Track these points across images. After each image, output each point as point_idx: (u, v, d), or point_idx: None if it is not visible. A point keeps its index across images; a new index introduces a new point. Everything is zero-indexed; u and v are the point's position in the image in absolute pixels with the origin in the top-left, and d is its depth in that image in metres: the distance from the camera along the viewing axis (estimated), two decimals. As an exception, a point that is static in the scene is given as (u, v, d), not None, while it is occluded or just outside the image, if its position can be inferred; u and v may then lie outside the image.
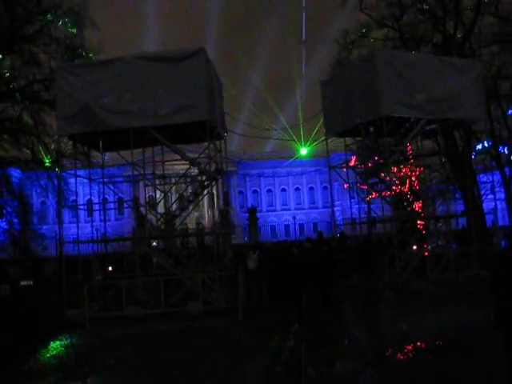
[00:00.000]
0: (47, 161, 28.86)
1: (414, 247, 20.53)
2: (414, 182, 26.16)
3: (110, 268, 23.57)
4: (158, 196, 22.99)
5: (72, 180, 20.85)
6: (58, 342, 13.33)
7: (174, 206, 21.19)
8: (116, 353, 11.68)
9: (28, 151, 28.86)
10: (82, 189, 20.82)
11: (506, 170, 27.72)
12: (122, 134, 17.09)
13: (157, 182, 21.31)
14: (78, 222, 19.73)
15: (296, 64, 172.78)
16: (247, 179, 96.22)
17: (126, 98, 16.71)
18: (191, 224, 76.28)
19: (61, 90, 17.54)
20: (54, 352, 12.39)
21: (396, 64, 18.69)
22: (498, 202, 23.28)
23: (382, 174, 20.91)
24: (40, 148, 28.62)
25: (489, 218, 27.54)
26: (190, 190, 20.74)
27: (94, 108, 16.70)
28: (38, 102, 27.44)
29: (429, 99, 18.85)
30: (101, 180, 20.45)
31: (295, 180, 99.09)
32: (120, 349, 12.07)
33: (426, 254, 19.47)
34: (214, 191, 20.50)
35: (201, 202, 79.96)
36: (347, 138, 22.81)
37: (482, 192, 27.33)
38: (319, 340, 11.91)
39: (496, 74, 26.20)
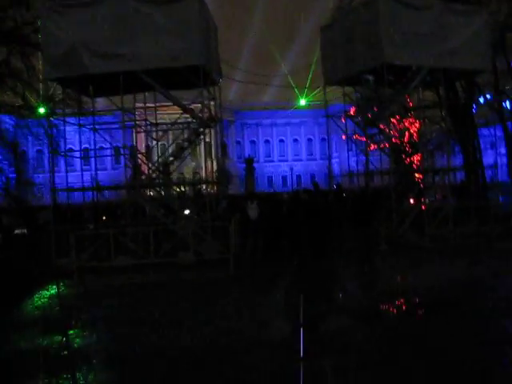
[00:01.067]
0: (39, 106, 28.08)
1: (412, 201, 20.19)
2: (414, 134, 25.61)
3: (104, 217, 23.28)
4: (153, 145, 22.47)
5: (66, 127, 20.28)
6: (43, 292, 13.06)
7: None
8: (100, 304, 11.38)
9: (17, 97, 27.99)
10: (77, 137, 20.30)
11: (509, 124, 27.08)
12: (113, 78, 16.44)
13: (150, 129, 20.81)
14: (67, 170, 19.26)
15: (296, 9, 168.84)
16: (245, 129, 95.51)
17: (116, 40, 16.01)
18: (188, 174, 75.98)
19: (47, 32, 16.78)
20: (38, 302, 12.12)
21: (400, 9, 17.79)
22: (499, 158, 22.75)
23: (382, 126, 20.34)
24: (30, 94, 27.77)
25: (488, 174, 27.10)
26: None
27: (81, 51, 16.02)
28: (27, 45, 26.47)
29: (433, 47, 18.11)
30: (91, 127, 19.88)
31: (293, 131, 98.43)
32: (104, 300, 11.77)
33: (423, 207, 19.16)
34: (211, 141, 19.97)
35: (198, 152, 79.69)
36: (347, 88, 22.16)
37: (483, 146, 26.78)
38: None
39: (503, 23, 25.24)
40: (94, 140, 19.73)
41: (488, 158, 27.79)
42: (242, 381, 6.61)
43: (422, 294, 11.13)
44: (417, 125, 26.08)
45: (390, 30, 17.56)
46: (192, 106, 18.36)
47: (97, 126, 19.96)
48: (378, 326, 8.84)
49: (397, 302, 10.76)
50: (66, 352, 8.22)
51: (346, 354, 7.27)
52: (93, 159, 22.39)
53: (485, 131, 28.11)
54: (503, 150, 26.90)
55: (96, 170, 22.58)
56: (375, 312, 9.98)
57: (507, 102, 28.53)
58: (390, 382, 6.41)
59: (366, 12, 18.47)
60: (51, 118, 20.94)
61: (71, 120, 20.63)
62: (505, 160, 27.23)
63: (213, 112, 18.17)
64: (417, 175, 23.43)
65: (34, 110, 28.30)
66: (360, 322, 9.23)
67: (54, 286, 13.79)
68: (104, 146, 26.10)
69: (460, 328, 8.39)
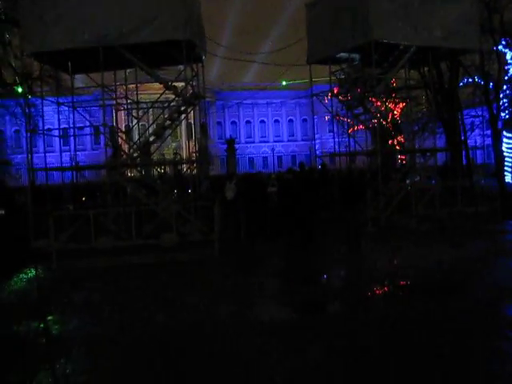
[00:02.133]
0: (16, 85, 27.26)
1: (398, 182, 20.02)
2: (397, 115, 25.37)
3: (84, 198, 22.78)
4: (134, 125, 21.95)
5: (44, 107, 19.63)
6: (20, 275, 12.60)
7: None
8: (79, 287, 10.98)
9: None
10: (55, 117, 19.73)
11: (494, 106, 26.94)
12: (92, 54, 15.86)
13: (130, 107, 20.28)
14: (45, 150, 18.68)
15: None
16: (226, 110, 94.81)
17: (95, 14, 15.37)
18: (169, 155, 75.19)
19: (24, 6, 16.11)
20: (15, 285, 11.71)
21: (388, -14, 17.40)
22: (484, 139, 22.57)
23: (369, 105, 20.04)
24: (6, 71, 26.95)
25: (474, 154, 27.09)
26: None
27: (59, 25, 15.36)
28: (2, 22, 25.58)
29: (422, 25, 17.69)
30: (70, 105, 19.26)
31: (274, 112, 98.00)
32: (85, 283, 11.36)
33: (410, 188, 19.04)
34: (192, 121, 19.51)
35: (179, 133, 78.97)
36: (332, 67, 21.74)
37: (468, 127, 26.67)
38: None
39: (492, 2, 24.94)
40: (74, 119, 19.15)
41: (472, 140, 27.74)
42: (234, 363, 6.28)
43: (413, 277, 10.87)
44: (401, 105, 25.86)
45: (379, 6, 17.14)
46: (174, 85, 17.83)
47: (76, 105, 19.38)
48: (369, 311, 8.59)
49: (388, 286, 10.50)
50: (44, 339, 7.82)
51: (340, 339, 7.00)
52: (72, 139, 21.77)
53: (471, 112, 27.95)
54: (489, 132, 26.75)
55: (75, 150, 22.00)
56: (367, 297, 9.74)
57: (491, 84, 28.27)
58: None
59: (354, -13, 17.97)
60: (29, 97, 20.29)
61: (49, 99, 19.99)
62: (490, 141, 27.09)
63: (195, 89, 17.66)
64: (400, 156, 23.26)
65: (10, 87, 27.51)
66: (353, 306, 8.97)
67: (32, 269, 13.34)
68: (84, 126, 25.58)
69: (450, 310, 8.15)
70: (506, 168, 27.60)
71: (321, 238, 14.93)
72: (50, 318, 8.78)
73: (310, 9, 20.74)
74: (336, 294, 9.86)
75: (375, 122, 20.61)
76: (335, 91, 21.56)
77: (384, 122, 21.33)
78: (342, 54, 20.13)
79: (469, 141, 26.60)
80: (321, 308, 9.21)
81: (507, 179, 27.41)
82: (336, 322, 7.97)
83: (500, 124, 26.66)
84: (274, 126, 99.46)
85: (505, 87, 27.73)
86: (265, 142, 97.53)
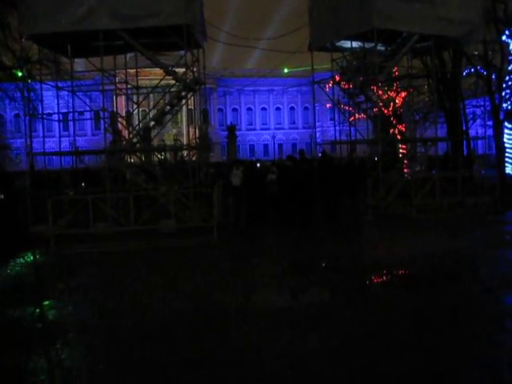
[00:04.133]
0: (15, 68, 27.05)
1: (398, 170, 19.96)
2: (398, 104, 25.22)
3: (83, 184, 22.71)
4: (134, 110, 21.86)
5: (44, 92, 19.51)
6: (18, 260, 12.55)
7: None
8: (77, 272, 10.91)
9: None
10: (55, 101, 19.65)
11: (496, 96, 26.78)
12: (92, 38, 15.75)
13: (130, 93, 20.17)
14: (44, 135, 18.60)
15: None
16: (227, 97, 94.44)
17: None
18: (169, 141, 75.09)
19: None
20: (13, 270, 11.66)
21: (391, -29, 17.21)
22: (485, 129, 22.43)
23: (371, 93, 19.90)
24: (5, 54, 26.70)
25: (475, 145, 27.01)
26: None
27: (58, 6, 15.20)
28: (1, 3, 25.29)
29: (425, 13, 17.53)
30: (70, 89, 19.16)
31: (276, 99, 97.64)
32: (82, 268, 11.30)
33: (410, 178, 18.99)
34: (193, 107, 19.40)
35: (179, 119, 78.73)
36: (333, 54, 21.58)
37: (469, 118, 26.58)
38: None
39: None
40: (73, 104, 19.04)
41: (473, 130, 27.64)
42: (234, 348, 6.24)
43: (410, 265, 10.77)
44: (403, 94, 25.68)
45: (381, -8, 16.96)
46: (174, 70, 17.73)
47: (76, 90, 19.27)
48: (365, 297, 8.53)
49: (385, 273, 10.42)
50: (40, 325, 7.76)
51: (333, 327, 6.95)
52: (72, 124, 21.73)
53: (473, 102, 27.80)
54: (491, 122, 26.62)
55: (75, 135, 21.91)
56: (364, 284, 9.66)
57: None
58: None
59: (356, -27, 17.78)
60: (28, 81, 20.17)
61: (49, 83, 19.88)
62: (491, 132, 26.97)
63: (195, 74, 17.55)
64: (401, 145, 23.14)
65: (9, 71, 27.31)
66: (351, 294, 8.90)
67: (30, 254, 13.30)
68: (83, 111, 25.47)
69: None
70: (506, 159, 27.51)
71: (317, 224, 14.89)
72: (46, 303, 8.72)
73: (311, -5, 20.51)
74: (331, 281, 9.74)
75: (376, 111, 20.47)
76: (337, 79, 21.40)
77: (385, 111, 21.21)
78: (344, 41, 20.01)
79: (470, 131, 26.47)
80: (316, 295, 9.10)
81: (508, 170, 27.31)
82: (329, 309, 7.92)
83: (502, 115, 26.53)
84: (276, 114, 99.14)
85: (507, 78, 27.56)
86: (266, 129, 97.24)
